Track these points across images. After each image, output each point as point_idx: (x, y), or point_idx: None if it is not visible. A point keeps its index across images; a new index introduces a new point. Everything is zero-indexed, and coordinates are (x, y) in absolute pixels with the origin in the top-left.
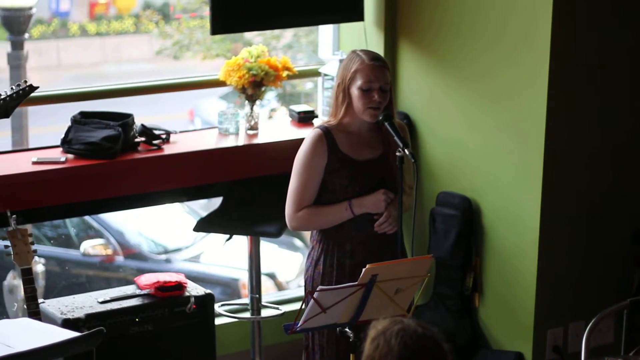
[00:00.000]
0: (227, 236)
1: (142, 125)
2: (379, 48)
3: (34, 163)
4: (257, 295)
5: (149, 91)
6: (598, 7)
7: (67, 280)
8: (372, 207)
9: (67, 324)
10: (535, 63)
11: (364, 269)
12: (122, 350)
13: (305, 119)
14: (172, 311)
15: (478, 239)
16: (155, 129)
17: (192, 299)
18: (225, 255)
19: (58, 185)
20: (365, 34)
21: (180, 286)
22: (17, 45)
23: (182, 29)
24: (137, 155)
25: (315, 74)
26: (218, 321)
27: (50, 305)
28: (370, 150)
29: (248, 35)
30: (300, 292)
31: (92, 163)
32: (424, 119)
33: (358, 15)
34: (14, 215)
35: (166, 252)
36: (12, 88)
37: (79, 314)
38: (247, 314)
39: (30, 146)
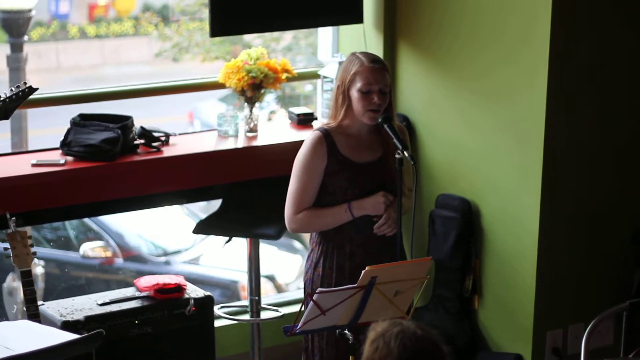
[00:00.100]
0: (227, 238)
1: (142, 127)
2: (378, 50)
3: (34, 165)
4: (257, 298)
5: (148, 93)
6: (598, 7)
7: (67, 282)
8: (372, 210)
9: (67, 326)
10: (534, 63)
11: (363, 271)
12: (121, 352)
13: (304, 121)
14: (172, 313)
15: (477, 241)
16: (155, 131)
17: (192, 301)
18: (224, 258)
19: (57, 188)
20: (364, 36)
21: (179, 288)
22: (16, 48)
23: (181, 31)
24: (136, 157)
25: (314, 76)
26: (217, 323)
27: (49, 308)
28: (370, 153)
29: (247, 37)
30: (300, 294)
31: (91, 165)
32: (424, 121)
33: (357, 18)
34: (14, 218)
35: (165, 254)
36: (11, 90)
37: (79, 316)
38: (247, 316)
39: (30, 148)
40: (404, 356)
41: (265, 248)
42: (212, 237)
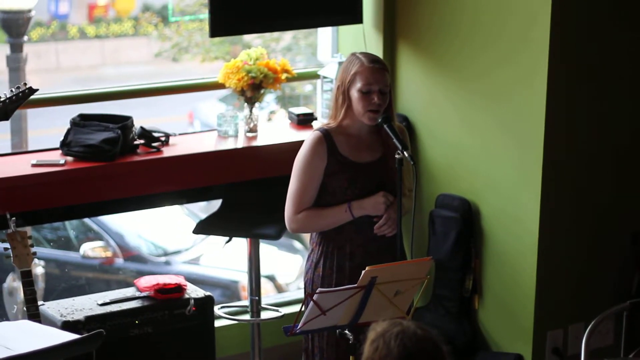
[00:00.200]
0: (227, 238)
1: (142, 127)
2: (377, 50)
3: (34, 165)
4: (257, 298)
5: (148, 93)
6: (597, 7)
7: (67, 282)
8: (372, 210)
9: (67, 326)
10: (534, 64)
11: (363, 271)
12: (121, 352)
13: (304, 121)
14: (172, 313)
15: (477, 241)
16: (155, 132)
17: (192, 301)
18: (224, 258)
19: (57, 188)
20: (364, 37)
21: (179, 288)
22: (16, 48)
23: (181, 31)
24: (136, 157)
25: (314, 76)
26: (218, 323)
27: (49, 308)
28: (370, 153)
29: (247, 37)
30: (300, 295)
31: (91, 165)
32: (423, 121)
33: (357, 18)
34: (14, 218)
35: (166, 254)
36: (11, 91)
37: (79, 316)
38: (247, 316)
39: (30, 149)
40: (404, 356)
41: (266, 248)
42: (212, 237)
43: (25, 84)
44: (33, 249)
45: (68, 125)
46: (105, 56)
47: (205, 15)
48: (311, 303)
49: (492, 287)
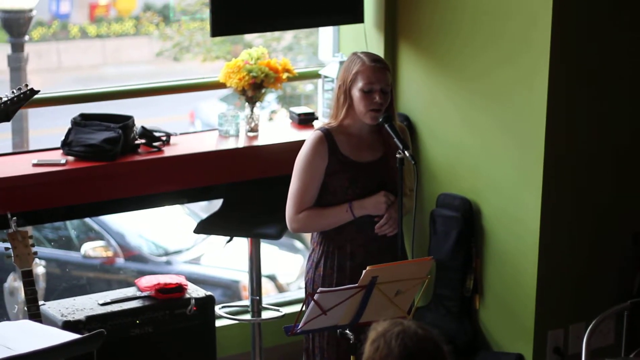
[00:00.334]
0: (228, 238)
1: (143, 127)
2: (379, 50)
3: (35, 165)
4: (258, 297)
5: (149, 93)
6: (598, 8)
7: (68, 282)
8: (373, 209)
9: (68, 326)
10: (535, 64)
11: (364, 271)
12: (122, 352)
13: (305, 120)
14: (173, 313)
15: (478, 241)
16: (156, 131)
17: (193, 301)
18: (225, 257)
19: (58, 187)
20: (365, 36)
21: (180, 288)
22: (17, 48)
23: (182, 30)
24: (137, 157)
25: (315, 75)
26: (218, 323)
27: (50, 308)
28: (371, 152)
29: (248, 37)
30: (301, 294)
31: (92, 165)
32: (424, 120)
33: (358, 17)
34: (15, 218)
35: (167, 254)
36: (13, 92)
37: (80, 316)
38: (248, 316)
39: (31, 148)
40: (405, 356)
41: (266, 248)
42: (213, 236)
43: (26, 85)
44: (34, 249)
45: (69, 125)
46: (106, 56)
47: (206, 14)
48: (312, 303)
49: (493, 286)
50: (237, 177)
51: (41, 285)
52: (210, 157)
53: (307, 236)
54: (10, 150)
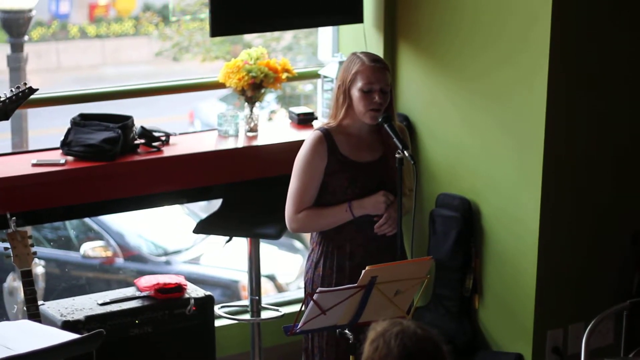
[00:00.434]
0: (227, 238)
1: (142, 127)
2: (378, 50)
3: (34, 165)
4: (257, 297)
5: (149, 93)
6: (597, 8)
7: (67, 282)
8: (372, 209)
9: (67, 326)
10: (534, 64)
11: (363, 271)
12: (121, 352)
13: (304, 120)
14: (172, 313)
15: (478, 241)
16: (155, 131)
17: (192, 301)
18: (225, 257)
19: (58, 187)
20: (364, 36)
21: (180, 288)
22: (16, 48)
23: (181, 30)
24: (136, 157)
25: (314, 75)
26: (218, 323)
27: (50, 307)
28: (370, 152)
29: (247, 37)
30: (300, 294)
31: (91, 165)
32: (424, 120)
33: (357, 17)
34: (14, 218)
35: (166, 254)
36: (11, 90)
37: (79, 316)
38: (247, 316)
39: (30, 148)
40: (404, 356)
41: (266, 248)
42: (212, 236)
43: (25, 84)
44: (33, 249)
45: (68, 125)
46: (105, 56)
47: (205, 14)
48: (311, 303)
49: (492, 286)
50: (236, 177)
51: (40, 285)
52: (210, 157)
53: (307, 236)
54: (9, 150)
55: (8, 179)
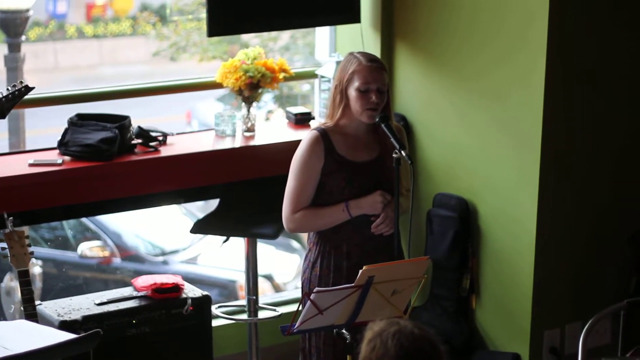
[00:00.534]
0: (224, 238)
1: (139, 127)
2: (375, 50)
3: (31, 165)
4: (254, 297)
5: (146, 93)
6: (595, 6)
7: (64, 282)
8: (369, 209)
9: (64, 325)
10: (532, 63)
11: (360, 271)
12: (118, 352)
13: (302, 120)
14: (169, 313)
15: (475, 241)
16: (152, 131)
17: (189, 301)
18: (222, 257)
19: (55, 187)
20: (361, 36)
21: (177, 288)
22: (14, 48)
23: (179, 30)
24: (134, 157)
25: (312, 75)
26: (215, 323)
27: (47, 307)
28: (367, 152)
29: (245, 37)
30: (298, 294)
31: (88, 165)
32: (421, 120)
33: (355, 17)
34: (11, 217)
35: (163, 253)
36: (7, 89)
37: (76, 315)
38: (244, 316)
39: (27, 148)
40: (401, 355)
41: (263, 247)
42: (209, 236)
43: (21, 82)
44: (30, 249)
45: (65, 125)
46: (103, 56)
47: (203, 14)
48: (308, 302)
49: (489, 286)
50: (233, 177)
51: (38, 285)
52: (207, 157)
53: (304, 236)
54: (6, 150)
55: (5, 179)
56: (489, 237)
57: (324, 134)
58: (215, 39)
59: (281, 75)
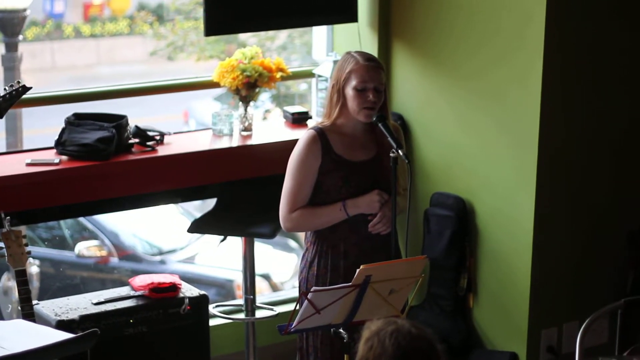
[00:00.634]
0: (222, 237)
1: (136, 126)
2: (372, 49)
3: (28, 165)
4: (252, 297)
5: (143, 92)
6: (592, 5)
7: (62, 281)
8: (366, 208)
9: (61, 325)
10: (529, 63)
11: (357, 270)
12: (116, 351)
13: (299, 120)
14: (167, 312)
15: (472, 240)
16: (149, 130)
17: (187, 300)
18: (219, 257)
19: (52, 187)
20: (359, 35)
21: (174, 287)
22: (11, 47)
23: (176, 30)
24: (131, 156)
25: (309, 75)
26: (212, 322)
27: (44, 307)
28: (364, 151)
29: (242, 36)
30: (295, 293)
31: (86, 164)
32: (418, 120)
33: (352, 17)
34: (8, 217)
35: (160, 253)
36: (5, 89)
37: (73, 315)
38: (242, 315)
39: (24, 148)
40: (399, 355)
41: (260, 247)
42: (207, 236)
43: (18, 82)
44: (28, 248)
45: (63, 125)
46: (100, 55)
47: (200, 14)
48: (305, 302)
49: (486, 285)
50: (231, 176)
51: (35, 284)
52: (204, 157)
53: (301, 235)
54: (3, 150)
55: (2, 179)
56: (486, 236)
57: (321, 133)
58: (212, 38)
59: (278, 75)
